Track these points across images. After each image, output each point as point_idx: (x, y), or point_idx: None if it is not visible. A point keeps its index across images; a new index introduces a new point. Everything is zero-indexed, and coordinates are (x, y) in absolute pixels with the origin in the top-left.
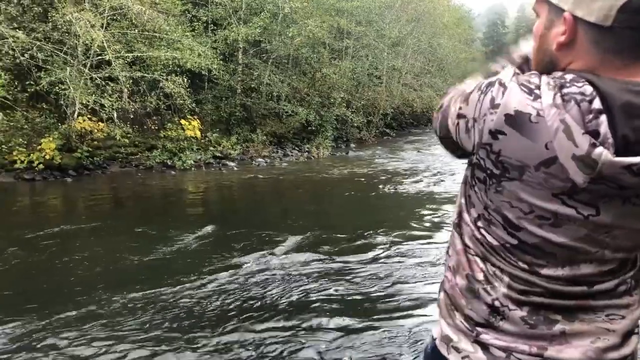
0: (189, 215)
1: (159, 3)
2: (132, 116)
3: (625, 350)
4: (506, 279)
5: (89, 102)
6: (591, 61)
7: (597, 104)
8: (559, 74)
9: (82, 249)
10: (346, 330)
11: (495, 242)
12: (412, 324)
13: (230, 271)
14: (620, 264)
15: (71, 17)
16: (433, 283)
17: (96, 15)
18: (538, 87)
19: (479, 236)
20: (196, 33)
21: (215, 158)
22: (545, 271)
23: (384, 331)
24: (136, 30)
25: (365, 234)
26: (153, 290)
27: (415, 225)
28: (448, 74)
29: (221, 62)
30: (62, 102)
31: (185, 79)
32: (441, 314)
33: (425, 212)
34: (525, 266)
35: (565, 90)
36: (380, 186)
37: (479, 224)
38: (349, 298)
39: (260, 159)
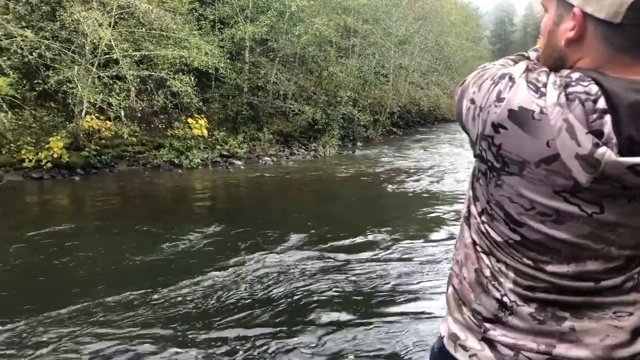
0: (195, 214)
1: (166, 2)
2: (139, 115)
3: (637, 347)
4: (511, 274)
5: (96, 100)
6: (600, 58)
7: (601, 103)
8: (566, 72)
9: (88, 247)
10: (351, 329)
11: (498, 238)
12: (416, 322)
13: (235, 270)
14: (627, 261)
15: (79, 16)
16: (438, 281)
17: (104, 14)
18: (544, 85)
19: (483, 230)
20: (203, 32)
21: (222, 157)
22: (550, 267)
23: (388, 329)
24: (143, 29)
25: (371, 232)
26: (158, 289)
27: (421, 224)
28: (455, 72)
29: (228, 60)
30: (70, 100)
31: (192, 78)
32: (449, 310)
33: (432, 211)
34: (530, 262)
35: (570, 89)
36: (387, 185)
37: (483, 218)
38: (353, 297)
39: (266, 158)
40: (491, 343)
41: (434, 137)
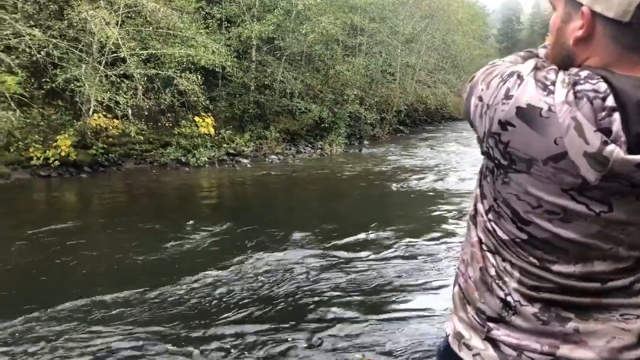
0: (202, 212)
1: (173, 0)
2: (146, 113)
3: None
4: (516, 274)
5: (104, 99)
6: (608, 57)
7: (610, 101)
8: (575, 70)
9: (94, 245)
10: (357, 328)
11: (505, 237)
12: (420, 320)
13: (240, 268)
14: (636, 262)
15: (86, 15)
16: (442, 280)
17: (111, 12)
18: (553, 83)
19: (490, 228)
20: (210, 30)
21: (228, 155)
22: (556, 267)
23: (393, 327)
24: (151, 28)
25: (377, 231)
26: (162, 287)
27: (426, 222)
28: (462, 70)
29: (235, 59)
30: (77, 99)
31: (199, 76)
32: (455, 309)
33: (437, 209)
34: (536, 261)
35: (578, 87)
36: (393, 183)
37: (490, 216)
38: (358, 295)
39: (273, 156)
40: (494, 343)
41: (441, 135)
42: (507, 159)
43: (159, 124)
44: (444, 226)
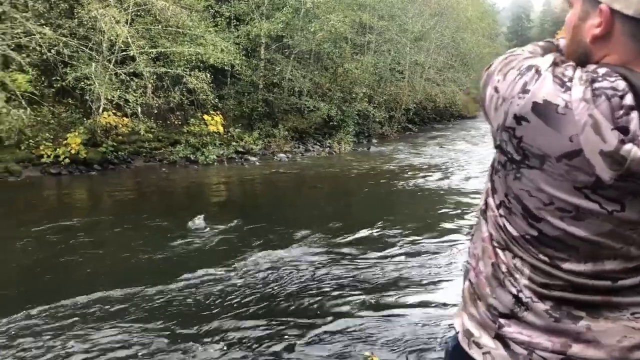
0: (210, 210)
1: None
2: (155, 111)
3: None
4: (527, 271)
5: (113, 97)
6: (627, 55)
7: (629, 99)
8: (593, 67)
9: (102, 242)
10: (363, 324)
11: (515, 233)
12: (430, 318)
13: (248, 265)
14: None
15: (96, 13)
16: (450, 278)
17: (121, 11)
18: (570, 80)
19: (500, 224)
20: (219, 28)
21: (237, 153)
22: (567, 265)
23: (401, 324)
24: (160, 26)
25: (385, 229)
26: (169, 284)
27: (435, 221)
28: (471, 68)
29: (244, 57)
30: (87, 97)
31: (208, 75)
32: (464, 305)
33: (445, 208)
34: (546, 259)
35: (596, 85)
36: (401, 182)
37: (501, 211)
38: (366, 293)
39: (281, 154)
40: (505, 341)
41: (449, 133)
42: (520, 154)
43: (168, 122)
44: (451, 224)
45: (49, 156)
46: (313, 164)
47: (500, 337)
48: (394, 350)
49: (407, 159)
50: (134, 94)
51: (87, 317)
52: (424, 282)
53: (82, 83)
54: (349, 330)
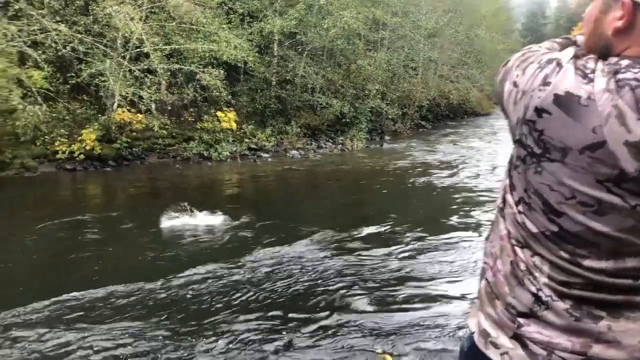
0: (223, 206)
1: None
2: (169, 108)
3: None
4: (546, 269)
5: (127, 93)
6: None
7: None
8: (615, 59)
9: (114, 238)
10: (374, 322)
11: (535, 229)
12: (441, 316)
13: (258, 261)
14: None
15: (111, 10)
16: (461, 275)
17: (135, 8)
18: (593, 72)
19: (519, 221)
20: (232, 25)
21: (250, 150)
22: (587, 262)
23: (412, 323)
24: (174, 23)
25: (396, 227)
26: (176, 279)
27: (447, 219)
28: (485, 65)
29: (257, 54)
30: (102, 93)
31: (222, 71)
32: (481, 305)
33: (458, 205)
34: (567, 255)
35: (619, 76)
36: (414, 179)
37: (520, 208)
38: (376, 291)
39: (294, 151)
40: (523, 342)
41: (463, 130)
42: (541, 147)
43: (182, 119)
44: (464, 222)
45: (64, 152)
46: (325, 161)
47: (518, 337)
48: (405, 345)
49: (420, 156)
50: (148, 91)
51: (92, 312)
52: (435, 278)
53: (97, 79)
54: (359, 325)
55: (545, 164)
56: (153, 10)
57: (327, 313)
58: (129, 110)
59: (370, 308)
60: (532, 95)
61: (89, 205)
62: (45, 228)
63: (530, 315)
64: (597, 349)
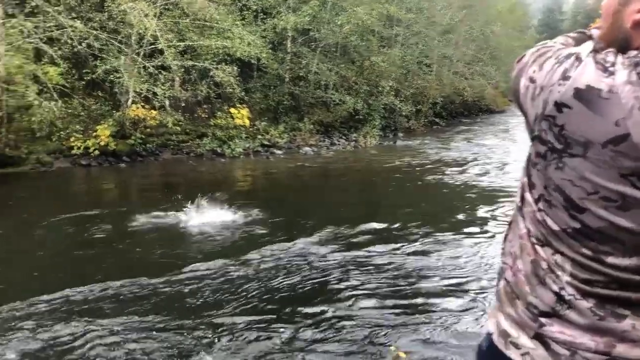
0: (235, 202)
1: None
2: (183, 104)
3: None
4: (568, 267)
5: (142, 90)
6: None
7: None
8: (634, 52)
9: (124, 233)
10: (387, 319)
11: (556, 227)
12: (453, 314)
13: (269, 257)
14: None
15: (126, 7)
16: (471, 274)
17: (149, 4)
18: (613, 65)
19: (539, 219)
20: (246, 22)
21: (263, 146)
22: (611, 260)
23: (424, 320)
24: (188, 20)
25: (408, 224)
26: (189, 273)
27: (461, 217)
28: (501, 62)
29: (270, 50)
30: (116, 90)
31: (235, 68)
32: (500, 305)
33: (471, 204)
34: (589, 252)
35: None
36: (427, 177)
37: (540, 205)
38: (388, 288)
39: (307, 148)
40: (544, 342)
41: (477, 128)
42: (562, 143)
43: (195, 115)
44: (480, 222)
45: (79, 148)
46: (338, 158)
47: (539, 337)
48: (419, 347)
49: (433, 154)
50: (162, 87)
51: (98, 306)
52: (447, 278)
53: (112, 76)
54: (367, 320)
55: (566, 160)
56: (167, 6)
57: (334, 307)
58: (143, 107)
59: (378, 303)
60: (552, 90)
61: (102, 201)
62: (56, 222)
63: (552, 314)
64: (621, 349)
